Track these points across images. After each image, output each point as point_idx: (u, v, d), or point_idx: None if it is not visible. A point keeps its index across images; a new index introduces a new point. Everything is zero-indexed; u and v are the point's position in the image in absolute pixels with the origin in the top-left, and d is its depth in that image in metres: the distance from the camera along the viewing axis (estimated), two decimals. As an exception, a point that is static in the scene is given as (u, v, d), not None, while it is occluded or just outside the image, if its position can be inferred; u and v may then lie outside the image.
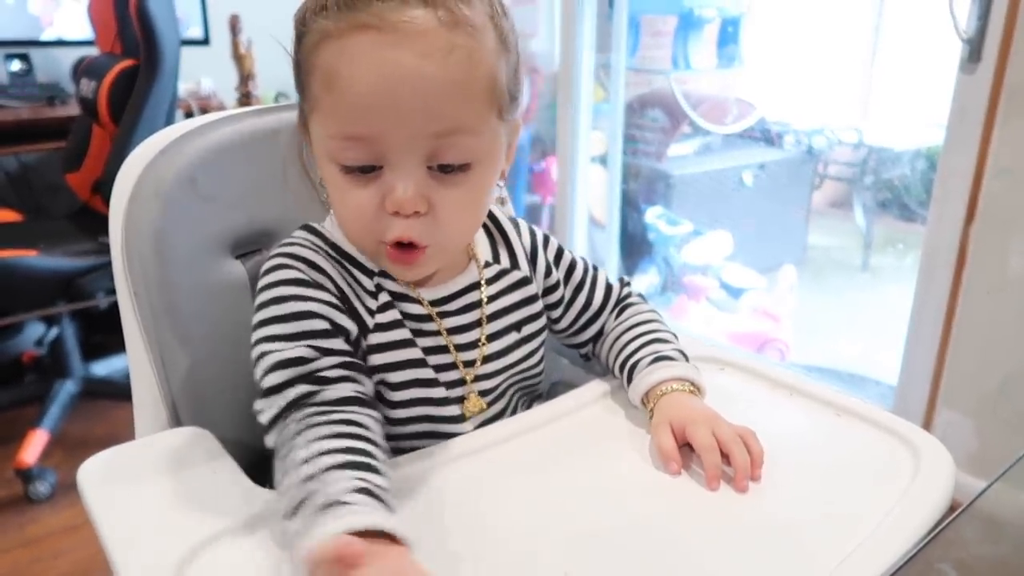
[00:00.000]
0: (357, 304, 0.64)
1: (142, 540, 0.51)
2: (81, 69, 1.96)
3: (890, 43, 3.40)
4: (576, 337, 0.79)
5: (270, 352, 0.59)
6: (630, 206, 2.90)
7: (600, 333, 0.78)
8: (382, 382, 0.65)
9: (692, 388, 0.67)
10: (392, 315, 0.65)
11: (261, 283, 0.63)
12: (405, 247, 0.60)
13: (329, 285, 0.63)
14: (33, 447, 1.74)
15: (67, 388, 1.92)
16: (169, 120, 1.85)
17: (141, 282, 0.67)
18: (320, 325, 0.60)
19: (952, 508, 0.56)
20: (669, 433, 0.62)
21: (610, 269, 2.73)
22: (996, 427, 1.57)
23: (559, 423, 0.69)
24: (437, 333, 0.68)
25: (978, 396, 1.59)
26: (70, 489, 1.76)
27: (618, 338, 0.75)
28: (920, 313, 1.68)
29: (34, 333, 2.16)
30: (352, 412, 0.56)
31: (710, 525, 0.55)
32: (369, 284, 0.65)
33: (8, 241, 1.78)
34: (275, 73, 2.69)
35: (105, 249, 1.90)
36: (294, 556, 0.47)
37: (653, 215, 2.89)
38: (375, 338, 0.64)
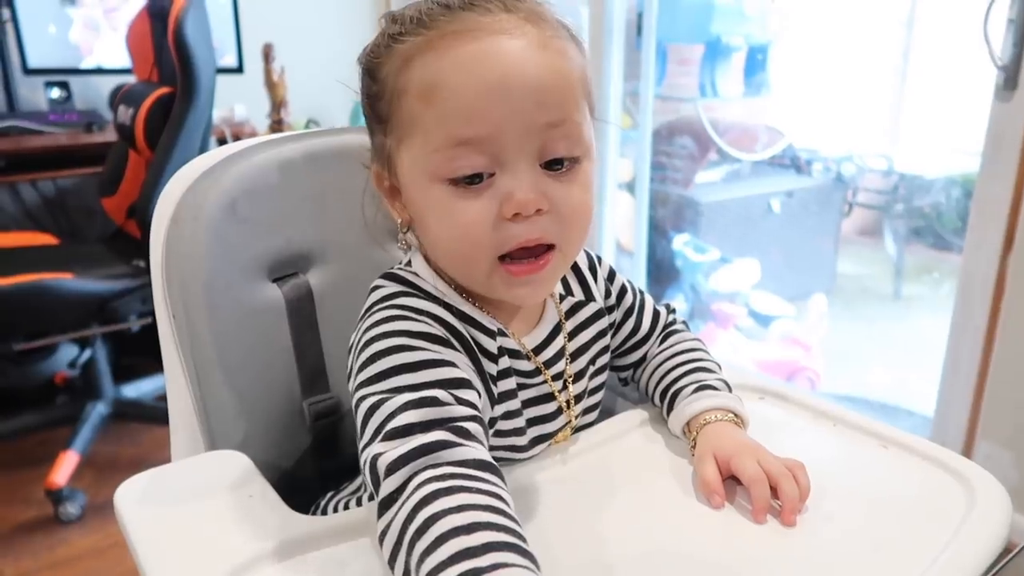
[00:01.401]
0: (485, 370, 0.60)
1: (178, 564, 0.51)
2: (119, 96, 2.00)
3: (920, 69, 3.38)
4: (620, 360, 0.77)
5: (393, 398, 0.52)
6: (657, 233, 2.89)
7: (643, 359, 0.77)
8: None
9: (736, 419, 0.66)
10: (510, 383, 0.63)
11: (373, 333, 0.56)
12: (530, 255, 0.56)
13: (458, 344, 0.58)
14: (64, 468, 1.75)
15: (98, 410, 1.94)
16: (204, 146, 1.88)
17: (180, 305, 0.67)
18: (456, 374, 0.54)
19: (1007, 548, 0.54)
20: (713, 464, 0.60)
21: (637, 296, 2.71)
22: (1038, 461, 1.53)
23: (599, 451, 0.67)
24: (543, 383, 0.66)
25: (1019, 428, 1.55)
26: (100, 510, 1.78)
27: (660, 365, 0.74)
28: (957, 343, 1.64)
29: (67, 355, 2.19)
30: (495, 484, 0.48)
31: (756, 560, 0.53)
32: (491, 346, 0.61)
33: (44, 264, 1.80)
34: (307, 101, 2.73)
35: (138, 273, 1.93)
36: None
37: (680, 242, 2.88)
38: (498, 409, 0.62)
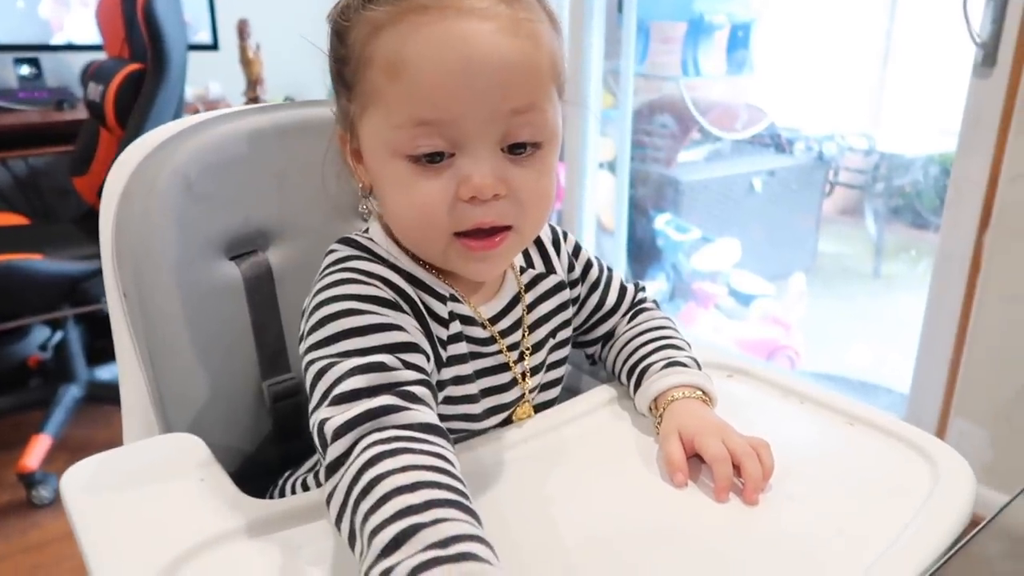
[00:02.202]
0: (434, 334, 0.60)
1: (122, 550, 0.49)
2: (89, 73, 1.96)
3: (902, 48, 3.38)
4: (586, 335, 0.77)
5: (341, 362, 0.52)
6: (639, 212, 2.88)
7: (610, 335, 0.76)
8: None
9: (703, 397, 0.65)
10: (461, 348, 0.63)
11: (323, 297, 0.56)
12: (486, 233, 0.56)
13: (407, 307, 0.58)
14: (36, 452, 1.73)
15: (71, 393, 1.91)
16: (175, 124, 1.84)
17: (131, 282, 0.65)
18: (403, 338, 0.54)
19: (973, 522, 0.53)
20: (678, 442, 0.60)
21: (618, 276, 2.71)
22: (1011, 437, 1.54)
23: (565, 430, 0.66)
24: (498, 352, 0.66)
25: (993, 405, 1.56)
26: (71, 495, 1.76)
27: (629, 342, 0.73)
28: (933, 321, 1.65)
29: (39, 337, 2.16)
30: (440, 445, 0.48)
31: (718, 539, 0.52)
32: (442, 311, 0.61)
33: (13, 244, 1.77)
34: (283, 78, 2.69)
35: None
36: None
37: (662, 221, 2.87)
38: (446, 372, 0.62)
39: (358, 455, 0.47)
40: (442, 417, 0.57)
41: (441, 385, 0.62)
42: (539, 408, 0.70)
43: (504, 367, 0.66)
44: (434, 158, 0.54)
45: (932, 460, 0.59)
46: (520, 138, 0.55)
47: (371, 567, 0.41)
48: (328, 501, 0.47)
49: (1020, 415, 1.52)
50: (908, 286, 3.07)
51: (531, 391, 0.68)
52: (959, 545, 0.49)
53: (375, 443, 0.47)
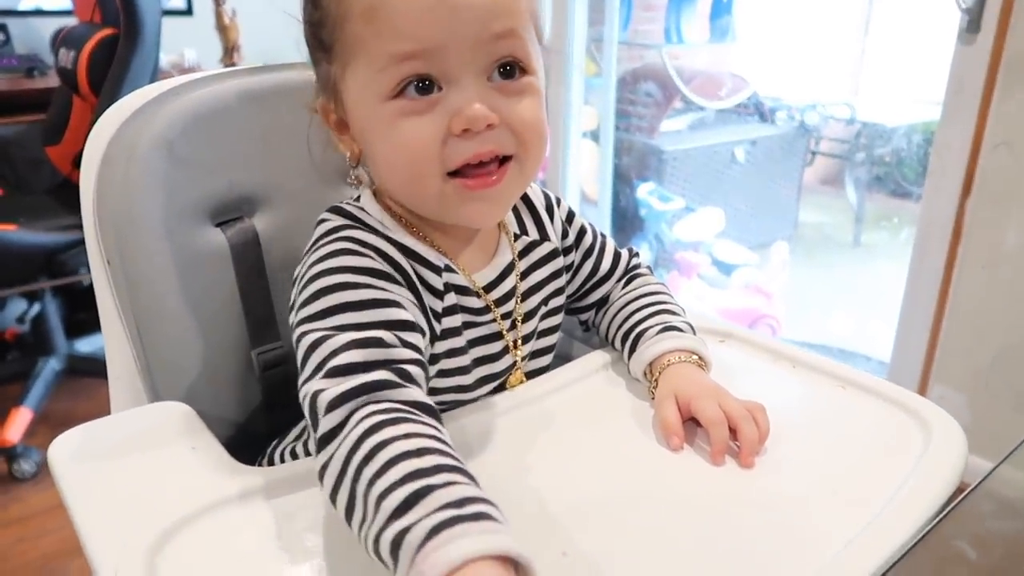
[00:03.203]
0: (428, 306, 0.59)
1: (115, 520, 0.48)
2: (60, 39, 1.91)
3: (884, 17, 3.37)
4: (580, 302, 0.76)
5: (336, 335, 0.51)
6: (622, 182, 2.87)
7: (604, 300, 0.76)
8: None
9: (699, 361, 0.65)
10: (455, 320, 0.62)
11: (318, 269, 0.55)
12: (486, 168, 0.55)
13: (402, 280, 0.57)
14: (17, 425, 1.72)
15: (51, 365, 1.89)
16: (151, 91, 1.80)
17: (115, 250, 0.63)
18: (401, 315, 0.53)
19: (959, 488, 0.54)
20: (674, 406, 0.60)
21: (602, 245, 2.71)
22: (989, 402, 1.57)
23: (558, 395, 0.66)
24: (492, 321, 0.65)
25: (971, 371, 1.59)
26: (53, 468, 1.74)
27: (623, 307, 0.72)
28: (914, 288, 1.66)
29: (16, 310, 2.12)
30: (436, 427, 0.48)
31: (714, 502, 0.52)
32: (437, 282, 0.60)
33: (-14, 215, 1.73)
34: (260, 44, 2.63)
35: (85, 223, 1.85)
36: (420, 559, 0.39)
37: (645, 191, 2.86)
38: (440, 346, 0.61)
39: (356, 424, 0.46)
40: (434, 390, 0.57)
41: (435, 358, 0.61)
42: (530, 375, 0.70)
43: (497, 335, 0.65)
44: (422, 87, 0.53)
45: (924, 421, 0.59)
46: (508, 58, 0.54)
47: (382, 530, 0.41)
48: (322, 473, 0.46)
49: (998, 380, 1.55)
50: (888, 255, 3.10)
51: (523, 359, 0.68)
52: (954, 504, 0.50)
53: (373, 413, 0.46)
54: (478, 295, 0.64)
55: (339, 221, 0.60)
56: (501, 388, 0.67)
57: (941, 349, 1.63)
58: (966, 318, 1.58)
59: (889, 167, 3.17)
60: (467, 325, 0.63)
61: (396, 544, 0.40)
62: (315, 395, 0.48)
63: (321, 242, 0.58)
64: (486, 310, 0.64)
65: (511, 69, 0.54)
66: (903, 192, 3.09)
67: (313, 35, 0.57)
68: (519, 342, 0.67)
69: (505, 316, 0.66)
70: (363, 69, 0.54)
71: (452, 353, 0.62)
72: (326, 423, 0.47)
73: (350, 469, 0.44)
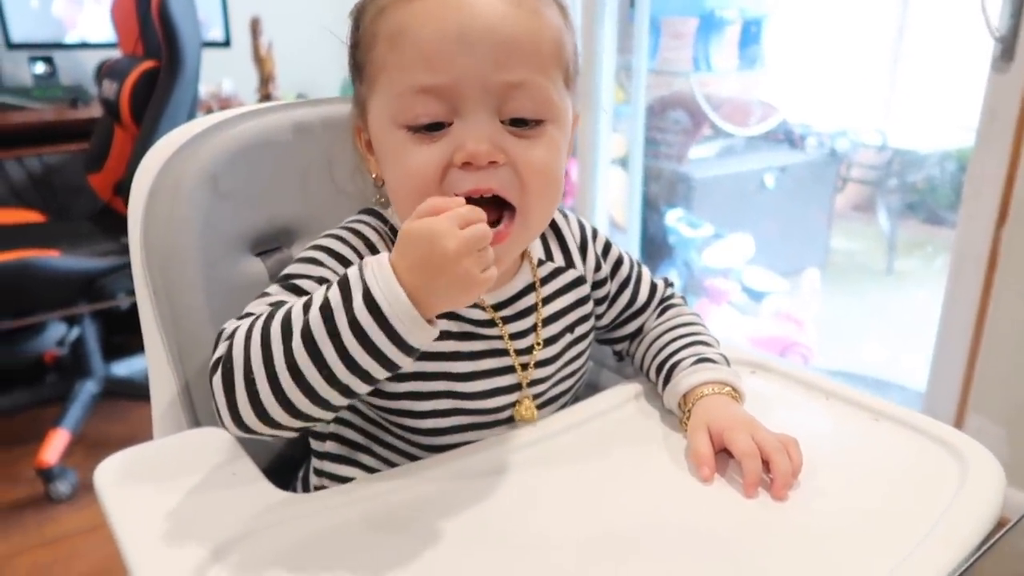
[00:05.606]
0: None
1: (160, 543, 0.50)
2: (103, 71, 1.97)
3: (915, 43, 3.36)
4: (614, 332, 0.76)
5: (272, 288, 0.59)
6: (651, 209, 2.87)
7: (639, 331, 0.76)
8: (411, 393, 0.62)
9: (733, 393, 0.65)
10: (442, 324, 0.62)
11: (309, 243, 0.62)
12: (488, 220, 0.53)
13: None
14: (54, 447, 1.74)
15: (88, 388, 1.92)
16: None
17: (160, 280, 0.66)
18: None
19: (1000, 523, 0.53)
20: (706, 437, 0.60)
21: (630, 272, 2.70)
22: (1029, 435, 1.53)
23: (590, 425, 0.66)
24: (498, 337, 0.65)
25: (1010, 403, 1.55)
26: (90, 489, 1.75)
27: (658, 338, 0.73)
28: (949, 317, 1.64)
29: (56, 333, 2.17)
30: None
31: (745, 534, 0.52)
32: None
33: (30, 241, 1.78)
34: (296, 75, 2.69)
35: (126, 250, 1.91)
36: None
37: (674, 218, 2.86)
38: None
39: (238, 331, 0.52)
40: (425, 375, 0.60)
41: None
42: (551, 401, 0.69)
43: (503, 352, 0.65)
44: (432, 128, 0.54)
45: (960, 456, 0.59)
46: (520, 112, 0.55)
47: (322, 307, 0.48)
48: (212, 378, 0.52)
49: (1037, 412, 1.52)
50: (921, 283, 3.05)
51: (536, 382, 0.67)
52: (992, 541, 0.49)
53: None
54: (479, 305, 0.64)
55: (359, 216, 0.65)
56: (511, 407, 0.66)
57: (978, 379, 1.60)
58: (1004, 348, 1.55)
59: (922, 194, 3.13)
60: (465, 336, 0.63)
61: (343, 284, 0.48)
62: (222, 329, 0.55)
63: (333, 228, 0.63)
64: (491, 323, 0.65)
65: (525, 121, 0.55)
66: (937, 219, 3.05)
67: (352, 56, 0.60)
68: (530, 365, 0.67)
69: (517, 336, 0.66)
70: (384, 92, 0.56)
71: (446, 357, 0.62)
72: (219, 350, 0.53)
73: (254, 339, 0.50)
